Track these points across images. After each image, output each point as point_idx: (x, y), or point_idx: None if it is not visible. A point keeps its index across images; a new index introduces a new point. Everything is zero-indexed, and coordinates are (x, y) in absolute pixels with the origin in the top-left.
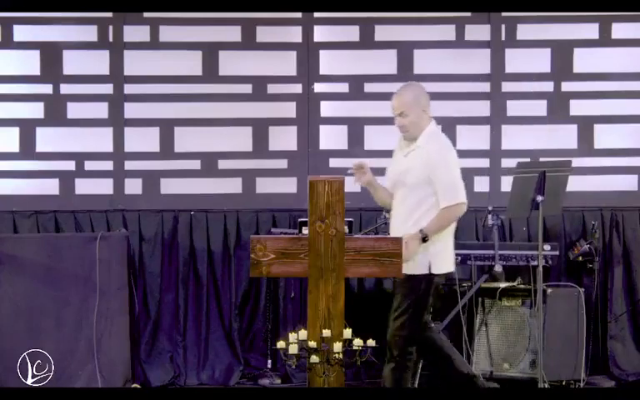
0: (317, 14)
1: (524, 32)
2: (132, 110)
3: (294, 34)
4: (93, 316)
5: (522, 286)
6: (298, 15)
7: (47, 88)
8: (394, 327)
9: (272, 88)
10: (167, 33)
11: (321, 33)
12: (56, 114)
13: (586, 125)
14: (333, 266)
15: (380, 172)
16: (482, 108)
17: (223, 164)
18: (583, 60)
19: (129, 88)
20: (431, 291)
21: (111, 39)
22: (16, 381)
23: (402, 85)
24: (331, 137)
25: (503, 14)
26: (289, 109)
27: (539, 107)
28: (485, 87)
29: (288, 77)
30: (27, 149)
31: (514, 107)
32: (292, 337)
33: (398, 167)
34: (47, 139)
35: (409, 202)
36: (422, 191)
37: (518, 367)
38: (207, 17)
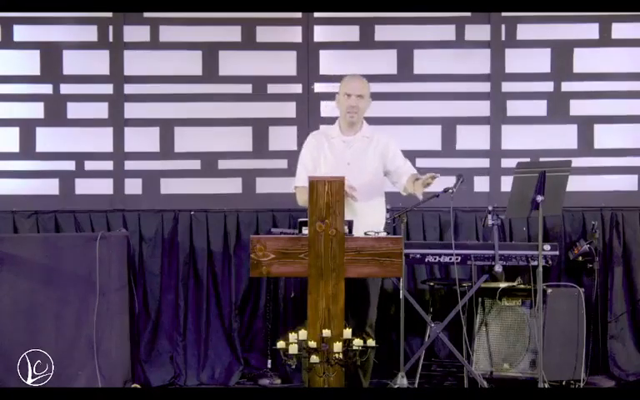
0: (317, 14)
1: (524, 32)
2: (132, 110)
3: (294, 34)
4: (93, 316)
5: (522, 286)
6: (298, 15)
7: (47, 88)
8: None
9: (272, 88)
10: (167, 33)
11: (321, 33)
12: (56, 114)
13: (586, 125)
14: (333, 266)
15: None
16: (482, 108)
17: (223, 164)
18: (583, 60)
19: (129, 88)
20: None
21: (111, 39)
22: (16, 381)
23: (355, 75)
24: None
25: (503, 14)
26: (289, 109)
27: (539, 107)
28: (485, 87)
29: (288, 77)
30: (27, 149)
31: (514, 107)
32: (292, 337)
33: (347, 158)
34: (47, 139)
35: (379, 190)
36: (381, 179)
37: (518, 367)
38: (207, 17)
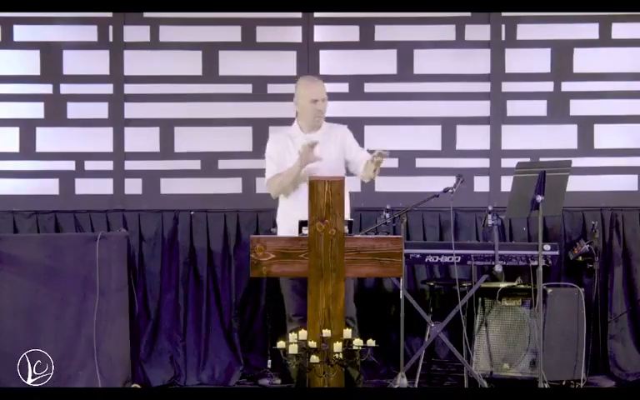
0: (317, 14)
1: (524, 32)
2: (132, 110)
3: (294, 34)
4: (93, 316)
5: (522, 286)
6: (298, 15)
7: (47, 88)
8: None
9: (272, 88)
10: (167, 33)
11: (321, 33)
12: (56, 114)
13: (586, 125)
14: (333, 266)
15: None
16: (482, 108)
17: (223, 164)
18: (583, 60)
19: (129, 88)
20: None
21: (111, 39)
22: (16, 381)
23: (311, 77)
24: None
25: (503, 14)
26: (289, 109)
27: (539, 107)
28: (485, 87)
29: (288, 77)
30: (27, 149)
31: (514, 107)
32: (292, 337)
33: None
34: (47, 139)
35: (336, 170)
36: (342, 169)
37: (518, 367)
38: (207, 17)
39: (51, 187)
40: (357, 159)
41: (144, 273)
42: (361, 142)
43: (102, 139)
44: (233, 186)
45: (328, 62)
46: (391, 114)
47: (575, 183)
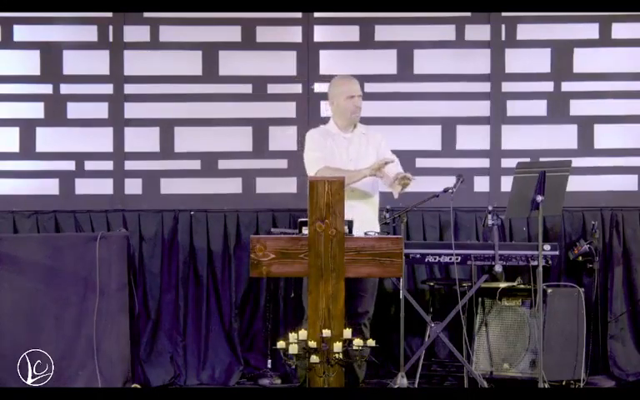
0: (317, 14)
1: (524, 32)
2: (132, 110)
3: (294, 34)
4: (93, 316)
5: (522, 286)
6: (298, 15)
7: (47, 88)
8: None
9: (272, 88)
10: (167, 33)
11: (321, 33)
12: (56, 114)
13: (586, 125)
14: (333, 266)
15: None
16: (482, 108)
17: (223, 164)
18: (583, 60)
19: (129, 88)
20: None
21: (111, 39)
22: (16, 381)
23: (346, 75)
24: None
25: (503, 14)
26: (289, 109)
27: (539, 107)
28: (485, 87)
29: (288, 77)
30: (27, 149)
31: (514, 107)
32: (292, 337)
33: (351, 155)
34: (47, 139)
35: (374, 185)
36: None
37: (518, 367)
38: (207, 17)
39: (51, 187)
40: (387, 169)
41: (144, 273)
42: None
43: (102, 139)
44: (233, 186)
45: (328, 62)
46: (391, 114)
47: (575, 183)
